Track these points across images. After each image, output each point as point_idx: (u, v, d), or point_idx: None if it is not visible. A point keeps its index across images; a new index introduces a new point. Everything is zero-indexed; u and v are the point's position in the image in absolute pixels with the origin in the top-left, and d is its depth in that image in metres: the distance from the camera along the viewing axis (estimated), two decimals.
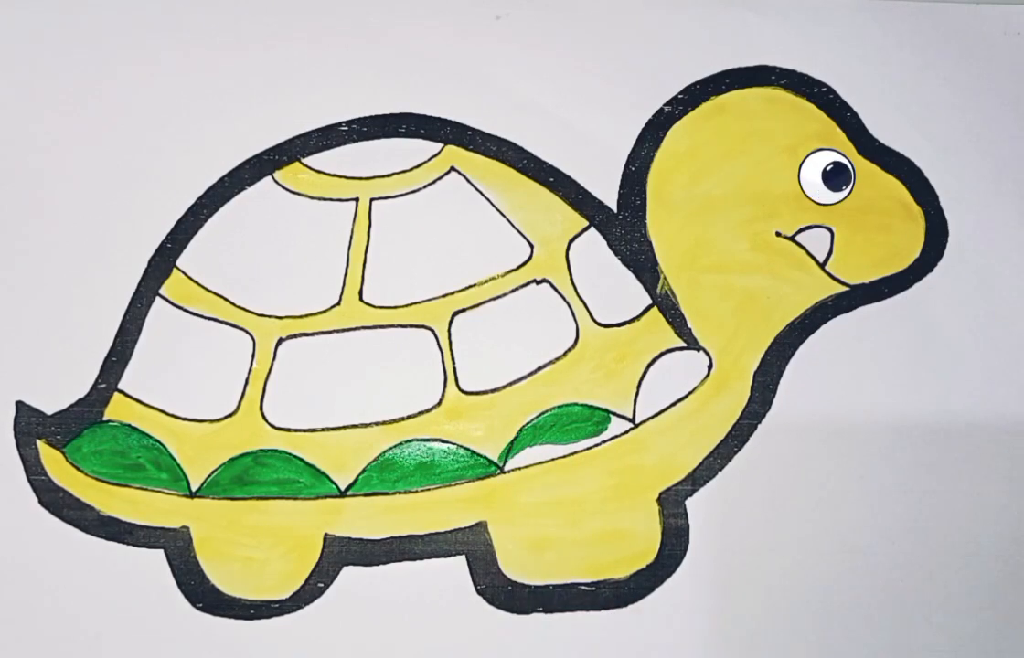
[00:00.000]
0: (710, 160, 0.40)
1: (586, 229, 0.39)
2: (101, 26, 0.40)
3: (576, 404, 0.38)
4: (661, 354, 0.39)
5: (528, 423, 0.38)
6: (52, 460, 0.38)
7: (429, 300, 0.39)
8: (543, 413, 0.38)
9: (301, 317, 0.39)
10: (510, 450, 0.38)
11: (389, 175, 0.40)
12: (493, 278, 0.39)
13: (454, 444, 0.38)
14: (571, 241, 0.39)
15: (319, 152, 0.40)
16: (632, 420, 0.38)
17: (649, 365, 0.39)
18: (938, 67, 0.41)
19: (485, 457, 0.38)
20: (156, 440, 0.38)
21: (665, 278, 0.39)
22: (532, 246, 0.39)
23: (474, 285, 0.39)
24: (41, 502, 0.38)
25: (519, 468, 0.38)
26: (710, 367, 0.39)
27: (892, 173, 0.40)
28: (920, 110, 0.41)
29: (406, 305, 0.39)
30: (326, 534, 0.38)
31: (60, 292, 0.39)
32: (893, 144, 0.40)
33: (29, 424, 0.38)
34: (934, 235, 0.40)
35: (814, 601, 0.38)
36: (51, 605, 0.37)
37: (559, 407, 0.38)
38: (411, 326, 0.39)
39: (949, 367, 0.39)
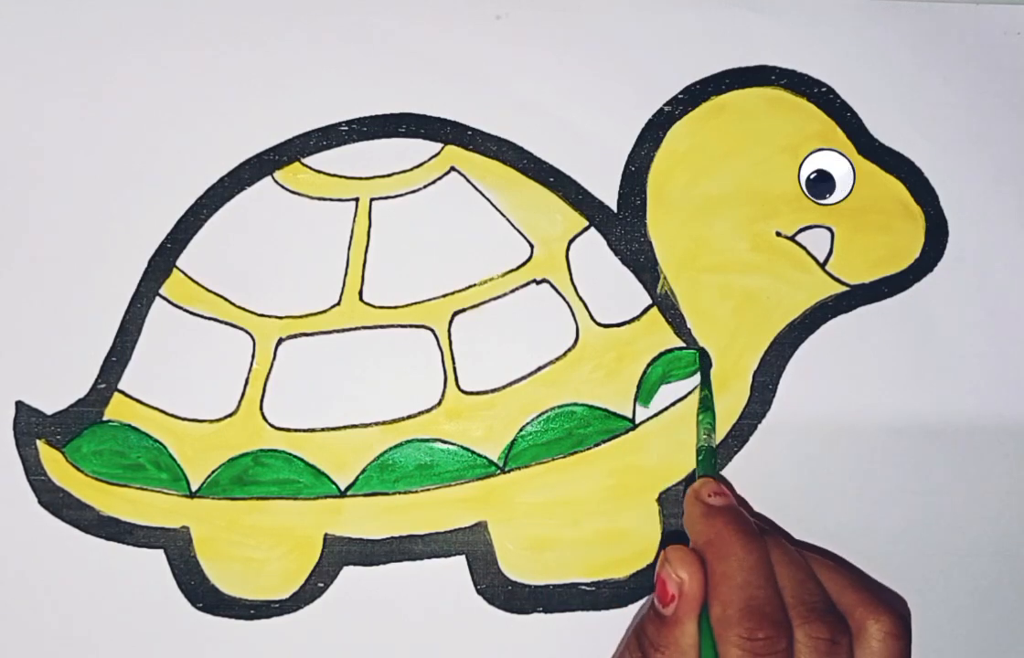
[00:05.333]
0: (710, 160, 0.40)
1: (586, 229, 0.39)
2: (101, 26, 0.40)
3: (576, 404, 0.38)
4: (661, 354, 0.39)
5: (528, 423, 0.38)
6: (52, 460, 0.38)
7: (429, 300, 0.39)
8: (543, 413, 0.38)
9: (301, 317, 0.39)
10: (510, 450, 0.38)
11: (389, 175, 0.40)
12: (493, 278, 0.39)
13: (454, 444, 0.38)
14: (571, 241, 0.39)
15: (319, 152, 0.40)
16: (632, 420, 0.38)
17: (648, 365, 0.39)
18: (938, 67, 0.41)
19: (485, 457, 0.38)
20: (156, 440, 0.38)
21: (665, 278, 0.39)
22: (532, 246, 0.39)
23: (474, 285, 0.39)
24: (41, 502, 0.38)
25: (519, 468, 0.38)
26: (710, 367, 0.39)
27: (892, 173, 0.40)
28: (920, 110, 0.41)
29: (406, 305, 0.39)
30: (326, 534, 0.38)
31: (60, 292, 0.39)
32: (893, 144, 0.40)
33: (29, 424, 0.38)
34: (934, 235, 0.40)
35: None
36: (51, 605, 0.37)
37: (559, 407, 0.38)
38: (411, 326, 0.39)
39: (949, 367, 0.39)
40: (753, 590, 0.30)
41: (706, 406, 0.37)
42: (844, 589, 0.32)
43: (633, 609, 0.38)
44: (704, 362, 0.38)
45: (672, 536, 0.38)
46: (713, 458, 0.36)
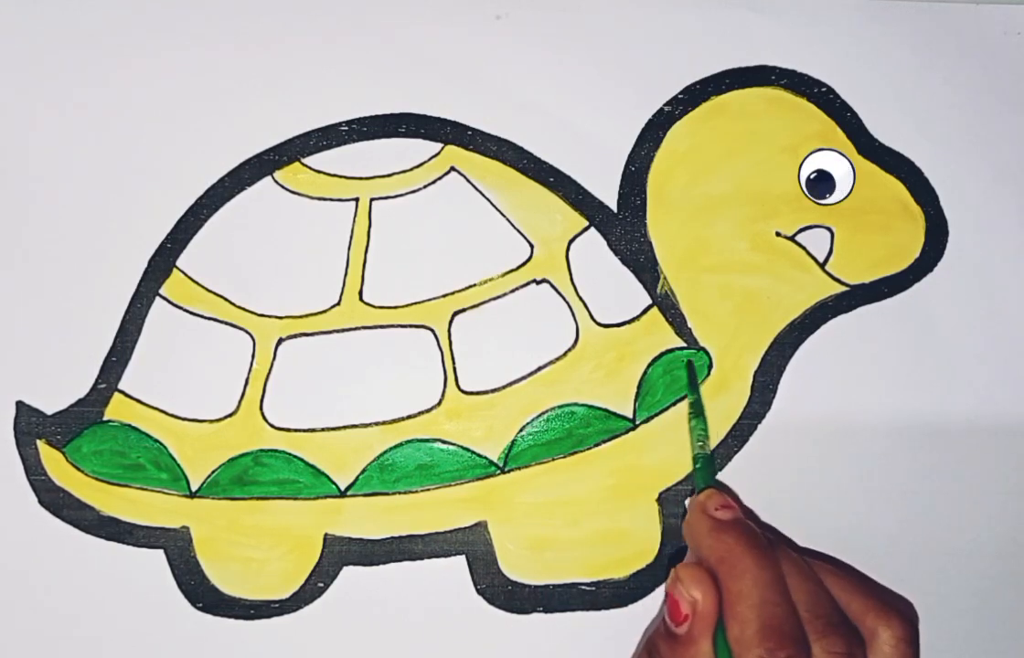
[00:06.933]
0: (710, 160, 0.40)
1: (586, 229, 0.39)
2: (101, 26, 0.40)
3: (576, 404, 0.38)
4: (661, 354, 0.39)
5: (528, 423, 0.38)
6: (52, 460, 0.38)
7: (429, 300, 0.39)
8: (543, 413, 0.38)
9: (301, 317, 0.39)
10: (510, 450, 0.38)
11: (389, 175, 0.40)
12: (493, 278, 0.39)
13: (454, 444, 0.38)
14: (571, 241, 0.39)
15: (319, 152, 0.40)
16: (632, 420, 0.38)
17: (649, 365, 0.39)
18: (938, 67, 0.41)
19: (485, 457, 0.38)
20: (156, 440, 0.38)
21: (665, 278, 0.39)
22: (532, 246, 0.39)
23: (474, 285, 0.39)
24: (41, 502, 0.38)
25: (519, 468, 0.38)
26: (710, 367, 0.39)
27: (892, 173, 0.40)
28: (920, 110, 0.41)
29: (406, 305, 0.39)
30: (326, 534, 0.38)
31: (60, 292, 0.39)
32: (893, 144, 0.40)
33: (29, 424, 0.38)
34: (934, 235, 0.40)
35: None
36: (51, 605, 0.37)
37: (559, 407, 0.38)
38: (411, 326, 0.39)
39: (949, 367, 0.39)
40: (771, 608, 0.30)
41: (697, 411, 0.37)
42: (852, 597, 0.32)
43: (633, 609, 0.38)
44: (691, 366, 0.38)
45: (672, 536, 0.38)
46: (712, 466, 0.36)
